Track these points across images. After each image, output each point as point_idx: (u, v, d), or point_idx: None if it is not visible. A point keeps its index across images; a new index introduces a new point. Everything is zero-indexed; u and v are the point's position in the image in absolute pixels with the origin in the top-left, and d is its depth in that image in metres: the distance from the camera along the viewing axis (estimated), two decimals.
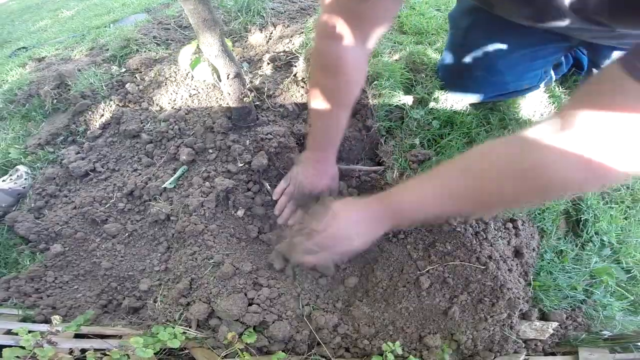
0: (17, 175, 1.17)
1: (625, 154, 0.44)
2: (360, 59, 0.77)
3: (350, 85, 0.79)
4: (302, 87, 1.19)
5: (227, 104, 1.06)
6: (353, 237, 0.67)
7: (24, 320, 0.89)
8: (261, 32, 1.41)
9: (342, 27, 0.70)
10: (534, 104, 1.11)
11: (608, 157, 0.45)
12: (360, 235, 0.67)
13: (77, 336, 0.82)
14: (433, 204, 0.61)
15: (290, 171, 0.99)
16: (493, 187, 0.54)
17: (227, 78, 0.92)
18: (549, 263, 0.92)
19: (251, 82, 1.22)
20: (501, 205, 0.68)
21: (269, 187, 0.99)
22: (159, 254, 1.00)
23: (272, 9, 1.53)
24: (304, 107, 1.17)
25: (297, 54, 1.25)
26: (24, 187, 1.16)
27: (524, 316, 0.87)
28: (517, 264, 0.90)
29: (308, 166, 0.92)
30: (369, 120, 1.08)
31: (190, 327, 0.82)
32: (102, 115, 1.29)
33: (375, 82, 1.08)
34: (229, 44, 0.86)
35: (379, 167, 1.00)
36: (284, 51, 1.31)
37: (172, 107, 1.21)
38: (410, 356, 0.78)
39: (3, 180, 1.16)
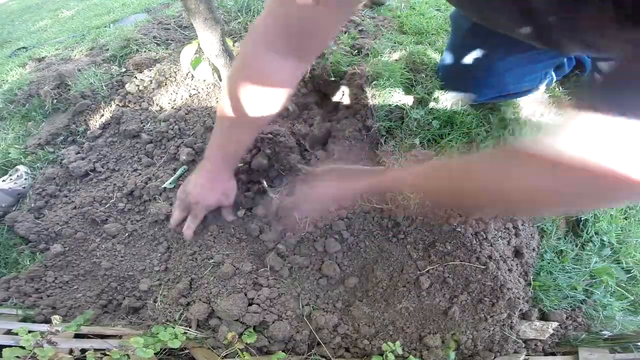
0: (17, 175, 1.17)
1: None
2: (288, 78, 0.71)
3: (267, 106, 0.73)
4: (303, 87, 1.19)
5: None
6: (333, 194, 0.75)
7: (24, 320, 0.89)
8: None
9: (280, 37, 0.63)
10: (534, 104, 1.11)
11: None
12: (340, 195, 0.75)
13: (77, 336, 0.82)
14: (414, 182, 0.67)
15: (181, 186, 0.93)
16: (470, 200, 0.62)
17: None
18: (549, 263, 0.92)
19: None
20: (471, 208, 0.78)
21: (266, 185, 0.98)
22: (159, 254, 1.00)
23: None
24: (303, 107, 1.17)
25: None
26: (24, 187, 1.16)
27: (524, 316, 0.87)
28: (517, 264, 0.90)
29: (201, 177, 0.86)
30: (369, 120, 1.08)
31: (190, 327, 0.82)
32: (102, 115, 1.29)
33: (375, 82, 1.08)
34: (230, 43, 0.86)
35: (379, 167, 1.00)
36: None
37: (172, 107, 1.21)
38: (410, 356, 0.78)
39: (3, 180, 1.16)
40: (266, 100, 0.72)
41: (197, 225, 0.90)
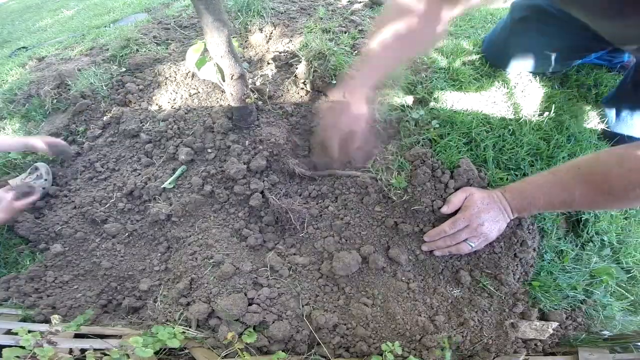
0: (37, 175, 1.14)
1: None
2: (439, 16, 0.77)
3: (417, 32, 0.79)
4: (302, 88, 1.19)
5: (228, 104, 1.06)
6: (491, 227, 0.83)
7: (24, 320, 0.89)
8: (261, 32, 1.41)
9: None
10: (535, 103, 1.10)
11: None
12: (497, 228, 0.83)
13: (77, 336, 0.82)
14: (552, 202, 0.75)
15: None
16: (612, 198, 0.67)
17: (232, 79, 0.92)
18: (549, 263, 0.92)
19: (252, 82, 1.22)
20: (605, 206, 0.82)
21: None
22: (159, 254, 1.00)
23: (272, 9, 1.53)
24: (303, 108, 1.17)
25: (298, 54, 1.25)
26: (44, 188, 1.13)
27: (524, 316, 0.87)
28: (517, 264, 0.90)
29: (343, 97, 0.90)
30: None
31: (190, 327, 0.82)
32: (102, 115, 1.29)
33: (379, 88, 1.08)
34: (235, 44, 0.86)
35: (355, 173, 0.99)
36: (284, 51, 1.31)
37: (171, 107, 1.21)
38: (410, 356, 0.78)
39: (22, 179, 1.13)
40: (419, 34, 0.79)
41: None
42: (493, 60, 1.17)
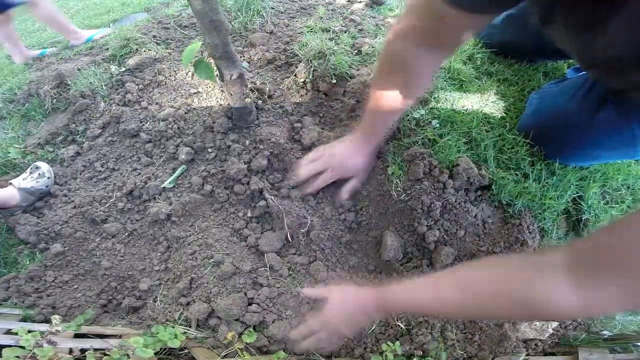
0: (39, 174, 1.13)
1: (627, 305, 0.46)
2: (428, 63, 0.77)
3: (410, 85, 0.80)
4: (302, 87, 1.19)
5: (228, 103, 1.06)
6: (345, 326, 0.72)
7: (24, 320, 0.89)
8: (261, 32, 1.41)
9: (419, 31, 0.71)
10: None
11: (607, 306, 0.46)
12: (351, 325, 0.73)
13: (77, 336, 0.82)
14: (425, 307, 0.67)
15: (326, 145, 1.00)
16: (485, 310, 0.59)
17: (230, 79, 0.92)
18: None
19: (252, 82, 1.22)
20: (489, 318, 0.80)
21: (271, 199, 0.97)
22: (159, 254, 1.00)
23: (272, 9, 1.52)
24: (303, 107, 1.17)
25: (298, 54, 1.25)
26: (46, 187, 1.12)
27: None
28: None
29: (348, 143, 0.94)
30: None
31: (190, 327, 0.82)
32: (102, 114, 1.29)
33: None
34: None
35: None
36: (285, 51, 1.31)
37: (171, 107, 1.21)
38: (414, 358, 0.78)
39: (24, 179, 1.12)
40: (414, 81, 0.80)
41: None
42: (490, 44, 1.19)
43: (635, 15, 0.45)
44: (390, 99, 0.81)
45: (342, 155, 0.93)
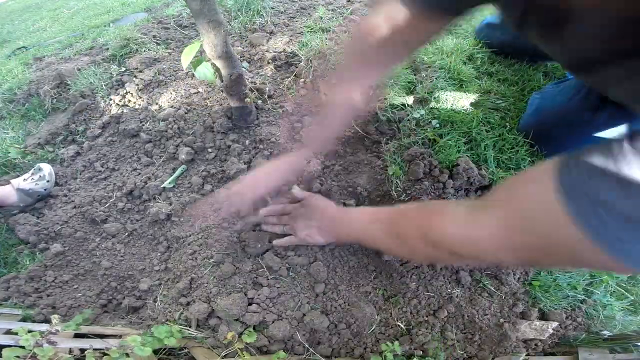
0: (40, 176, 1.12)
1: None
2: (386, 62, 0.76)
3: (362, 82, 0.79)
4: (302, 87, 1.19)
5: (228, 103, 1.06)
6: (318, 222, 0.83)
7: (24, 319, 0.89)
8: (261, 31, 1.41)
9: (383, 30, 0.69)
10: None
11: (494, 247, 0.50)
12: (323, 225, 0.83)
13: (77, 336, 0.82)
14: (364, 233, 0.76)
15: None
16: (403, 245, 0.67)
17: (229, 79, 0.92)
18: None
19: (252, 82, 1.22)
20: (407, 255, 0.83)
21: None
22: (159, 254, 1.00)
23: (272, 8, 1.52)
24: (304, 107, 1.17)
25: (298, 54, 1.25)
26: (45, 190, 1.12)
27: (524, 316, 0.87)
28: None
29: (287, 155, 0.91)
30: (370, 121, 1.08)
31: (190, 327, 0.82)
32: (102, 114, 1.29)
33: (379, 87, 1.08)
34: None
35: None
36: (284, 51, 1.31)
37: (171, 106, 1.21)
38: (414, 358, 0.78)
39: (24, 180, 1.12)
40: (364, 81, 0.78)
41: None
42: (490, 44, 1.21)
43: (589, 15, 0.43)
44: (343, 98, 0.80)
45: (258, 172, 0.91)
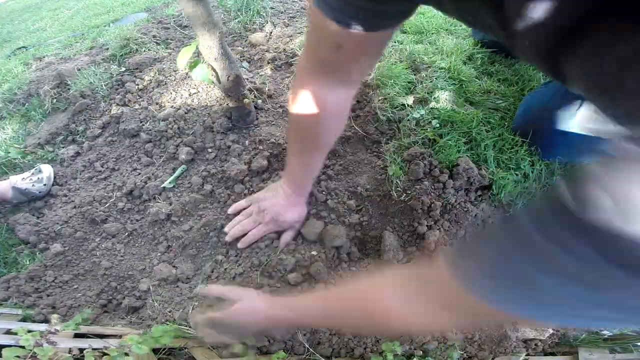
0: (38, 178, 1.12)
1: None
2: (342, 103, 0.74)
3: (328, 131, 0.78)
4: None
5: (228, 104, 1.06)
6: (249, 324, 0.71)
7: (24, 319, 0.89)
8: (261, 32, 1.41)
9: (322, 73, 0.67)
10: None
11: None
12: (255, 325, 0.71)
13: (77, 336, 0.82)
14: (308, 321, 0.70)
15: (257, 194, 0.96)
16: (348, 326, 0.68)
17: (227, 80, 0.92)
18: None
19: (251, 82, 1.22)
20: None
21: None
22: (159, 254, 1.00)
23: (272, 8, 1.52)
24: None
25: (298, 54, 1.25)
26: (39, 192, 1.12)
27: None
28: None
29: (279, 196, 0.90)
30: (370, 121, 1.08)
31: (190, 327, 0.82)
32: (102, 114, 1.29)
33: (379, 89, 1.09)
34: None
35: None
36: (284, 50, 1.31)
37: (171, 106, 1.21)
38: (414, 358, 0.78)
39: (23, 179, 1.12)
40: (326, 127, 0.76)
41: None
42: (490, 44, 1.21)
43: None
44: (308, 151, 0.80)
45: (274, 212, 0.89)
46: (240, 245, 0.92)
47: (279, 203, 0.89)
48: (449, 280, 0.41)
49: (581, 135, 0.84)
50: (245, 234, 0.92)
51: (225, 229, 0.94)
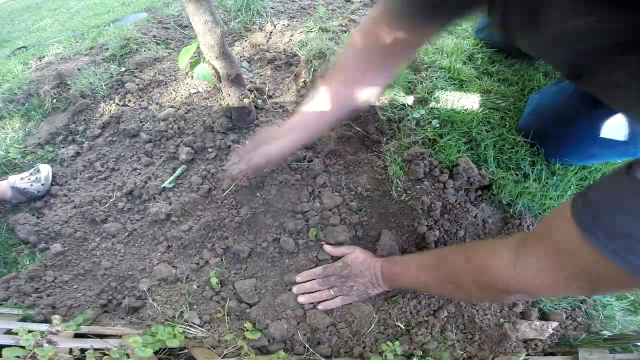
0: (36, 178, 1.12)
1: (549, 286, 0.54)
2: (373, 86, 0.78)
3: (349, 103, 0.80)
4: (302, 87, 1.19)
5: (228, 104, 1.06)
6: (356, 282, 0.84)
7: (24, 319, 0.89)
8: (261, 31, 1.41)
9: (369, 52, 0.72)
10: None
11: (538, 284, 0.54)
12: (361, 284, 0.84)
13: (77, 336, 0.82)
14: (410, 278, 0.79)
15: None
16: (454, 283, 0.69)
17: (227, 79, 0.92)
18: None
19: (251, 82, 1.22)
20: (463, 298, 0.85)
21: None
22: (159, 254, 1.00)
23: (272, 8, 1.52)
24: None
25: (298, 54, 1.25)
26: (38, 192, 1.12)
27: (524, 316, 0.87)
28: None
29: (274, 130, 0.88)
30: (370, 121, 1.08)
31: (190, 327, 0.82)
32: (102, 114, 1.29)
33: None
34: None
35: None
36: (284, 50, 1.31)
37: (171, 106, 1.21)
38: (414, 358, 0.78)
39: (22, 178, 1.12)
40: (351, 100, 0.80)
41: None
42: (490, 44, 1.21)
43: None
44: (325, 104, 0.81)
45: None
46: (231, 175, 0.92)
47: (271, 129, 0.90)
48: (578, 239, 0.44)
49: (598, 140, 0.84)
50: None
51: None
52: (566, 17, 0.42)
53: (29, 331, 0.69)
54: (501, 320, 0.85)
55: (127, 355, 0.70)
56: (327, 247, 0.90)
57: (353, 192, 0.97)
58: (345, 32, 1.32)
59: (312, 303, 0.85)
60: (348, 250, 0.89)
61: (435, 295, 0.89)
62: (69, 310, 0.92)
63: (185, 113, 1.16)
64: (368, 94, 0.80)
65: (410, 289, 0.90)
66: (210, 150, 1.08)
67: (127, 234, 1.03)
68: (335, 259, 0.89)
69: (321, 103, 0.80)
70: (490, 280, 0.61)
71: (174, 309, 0.86)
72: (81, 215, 1.07)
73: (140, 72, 1.36)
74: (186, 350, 0.81)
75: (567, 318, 0.88)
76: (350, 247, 0.90)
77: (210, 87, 1.21)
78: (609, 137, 0.82)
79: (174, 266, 0.95)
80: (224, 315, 0.84)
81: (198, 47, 0.84)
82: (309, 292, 0.86)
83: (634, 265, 0.40)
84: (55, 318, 0.76)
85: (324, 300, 0.85)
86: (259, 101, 1.15)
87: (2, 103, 1.45)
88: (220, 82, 0.93)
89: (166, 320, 0.84)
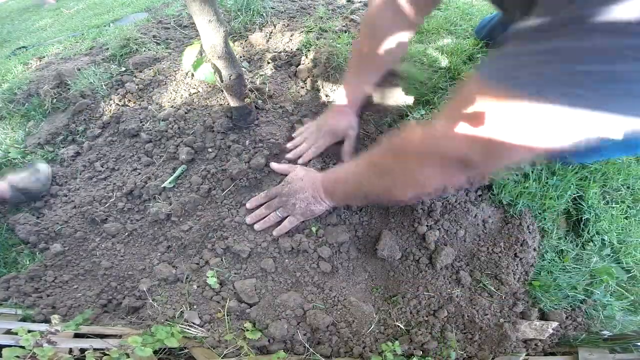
0: (35, 178, 1.11)
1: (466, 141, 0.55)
2: (404, 28, 0.84)
3: (385, 51, 0.86)
4: (302, 87, 1.19)
5: (228, 103, 1.06)
6: (298, 198, 0.87)
7: (24, 319, 0.89)
8: (261, 31, 1.41)
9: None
10: None
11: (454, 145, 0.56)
12: (304, 199, 0.86)
13: (77, 336, 0.82)
14: (349, 185, 0.80)
15: (311, 120, 1.08)
16: (385, 179, 0.71)
17: (229, 79, 0.92)
18: (549, 263, 0.92)
19: (252, 82, 1.22)
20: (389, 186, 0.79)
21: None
22: (159, 254, 1.00)
23: (272, 8, 1.52)
24: (304, 107, 1.17)
25: (298, 54, 1.25)
26: (37, 191, 1.12)
27: (524, 316, 0.87)
28: (517, 264, 0.90)
29: (330, 111, 1.02)
30: (371, 121, 1.08)
31: (190, 327, 0.82)
32: (102, 114, 1.29)
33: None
34: (230, 43, 0.86)
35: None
36: (285, 50, 1.31)
37: (171, 106, 1.21)
38: (414, 357, 0.78)
39: (21, 178, 1.11)
40: (386, 48, 0.87)
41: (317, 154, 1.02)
42: (491, 44, 1.26)
43: None
44: (369, 61, 0.89)
45: (329, 124, 1.00)
46: (301, 161, 1.00)
47: (330, 117, 1.01)
48: (479, 84, 0.51)
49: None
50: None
51: (288, 145, 1.03)
52: None
53: (29, 331, 0.69)
54: (501, 320, 0.85)
55: (127, 355, 0.70)
56: (273, 165, 0.98)
57: None
58: (345, 32, 1.32)
59: (265, 229, 0.90)
60: (291, 169, 0.94)
61: (370, 199, 0.87)
62: (69, 310, 0.92)
63: (185, 113, 1.16)
64: (400, 45, 0.86)
65: (349, 201, 0.92)
66: (210, 150, 1.08)
67: (127, 234, 1.03)
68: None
69: (362, 68, 0.90)
70: (403, 147, 0.65)
71: (174, 309, 0.86)
72: (81, 215, 1.07)
73: (140, 72, 1.36)
74: (186, 350, 0.81)
75: (567, 318, 0.88)
76: (293, 165, 0.96)
77: (210, 87, 1.21)
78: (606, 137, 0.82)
79: (174, 266, 0.95)
80: (224, 315, 0.84)
81: (201, 47, 0.84)
82: (261, 219, 0.90)
83: (485, 72, 0.50)
84: (55, 318, 0.76)
85: (275, 227, 0.89)
86: (260, 101, 1.15)
87: (2, 103, 1.45)
88: (222, 82, 0.93)
89: (166, 320, 0.84)
